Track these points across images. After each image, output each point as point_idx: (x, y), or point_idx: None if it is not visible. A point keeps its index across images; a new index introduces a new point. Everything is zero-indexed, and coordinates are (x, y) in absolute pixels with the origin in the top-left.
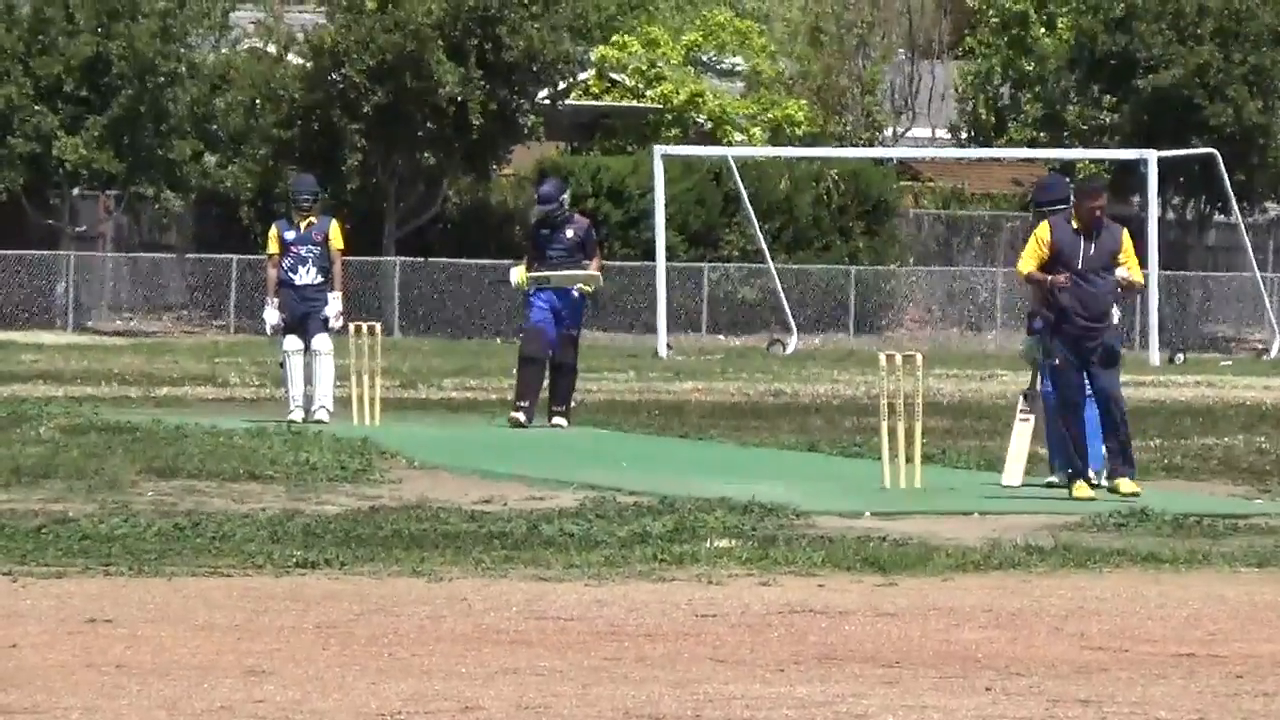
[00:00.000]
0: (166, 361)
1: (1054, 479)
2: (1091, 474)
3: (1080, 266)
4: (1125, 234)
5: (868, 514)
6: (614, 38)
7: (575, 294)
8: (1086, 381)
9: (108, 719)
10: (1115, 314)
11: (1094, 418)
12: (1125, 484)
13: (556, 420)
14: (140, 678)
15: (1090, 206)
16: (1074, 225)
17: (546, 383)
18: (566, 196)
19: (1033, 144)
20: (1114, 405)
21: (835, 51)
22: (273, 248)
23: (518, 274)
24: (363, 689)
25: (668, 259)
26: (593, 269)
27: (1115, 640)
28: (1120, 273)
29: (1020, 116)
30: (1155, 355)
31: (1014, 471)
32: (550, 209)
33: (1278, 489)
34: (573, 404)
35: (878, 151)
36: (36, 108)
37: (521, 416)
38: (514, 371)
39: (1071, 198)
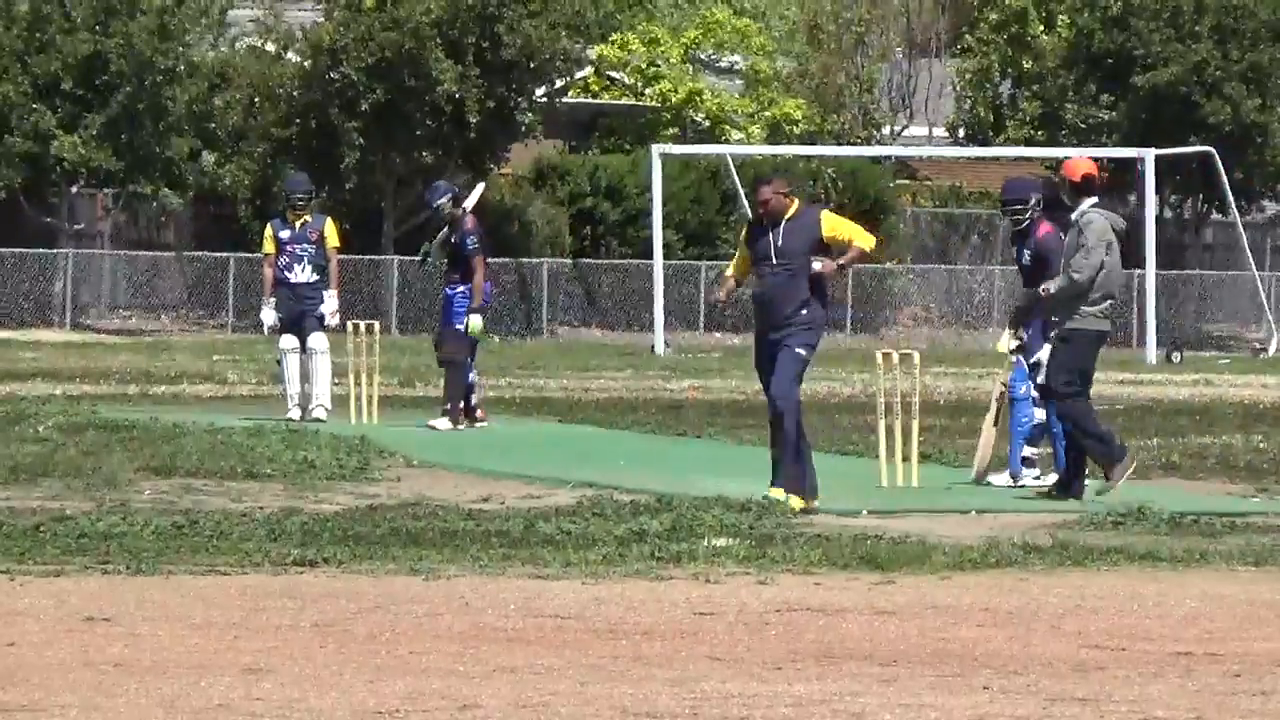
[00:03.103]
0: (164, 359)
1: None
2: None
3: (772, 261)
4: (825, 214)
5: (865, 512)
6: (612, 36)
7: (448, 291)
8: (1021, 381)
9: (106, 717)
10: (816, 304)
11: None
12: (786, 497)
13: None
14: (138, 676)
15: (756, 201)
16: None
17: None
18: (445, 200)
19: (1030, 142)
20: (778, 405)
21: (833, 50)
22: (268, 247)
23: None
24: (360, 687)
25: (665, 257)
26: (476, 280)
27: (1113, 639)
28: (814, 265)
29: (1018, 114)
30: (1152, 354)
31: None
32: (429, 213)
33: (1275, 487)
34: (467, 404)
35: (875, 150)
36: (34, 106)
37: (437, 424)
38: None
39: (1035, 198)
